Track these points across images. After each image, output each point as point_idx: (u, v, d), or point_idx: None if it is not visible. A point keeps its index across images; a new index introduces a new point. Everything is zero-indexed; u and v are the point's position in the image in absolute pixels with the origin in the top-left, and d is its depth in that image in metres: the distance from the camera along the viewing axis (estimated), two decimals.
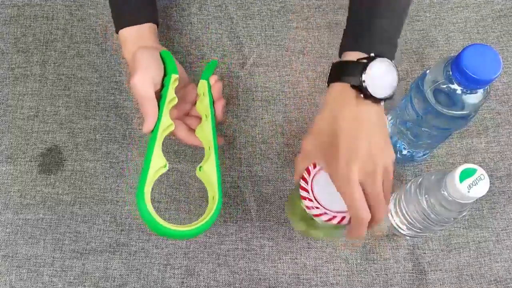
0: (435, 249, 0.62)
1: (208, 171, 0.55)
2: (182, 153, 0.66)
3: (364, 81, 0.48)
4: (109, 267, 0.61)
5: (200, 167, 0.56)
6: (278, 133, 0.68)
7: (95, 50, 0.72)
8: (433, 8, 0.76)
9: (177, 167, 0.65)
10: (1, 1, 0.75)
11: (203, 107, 0.59)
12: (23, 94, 0.69)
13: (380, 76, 0.49)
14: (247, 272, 0.61)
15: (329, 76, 0.52)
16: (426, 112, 0.53)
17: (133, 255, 0.61)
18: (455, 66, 0.48)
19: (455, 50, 0.72)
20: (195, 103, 0.62)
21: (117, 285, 0.60)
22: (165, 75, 0.57)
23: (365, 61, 0.49)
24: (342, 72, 0.50)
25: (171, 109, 0.57)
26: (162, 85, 0.57)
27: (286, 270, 0.61)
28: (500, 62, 0.47)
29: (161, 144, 0.54)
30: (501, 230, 0.63)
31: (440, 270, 0.61)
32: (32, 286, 0.60)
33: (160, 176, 0.65)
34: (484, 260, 0.62)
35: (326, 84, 0.52)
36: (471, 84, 0.47)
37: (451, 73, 0.49)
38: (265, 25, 0.74)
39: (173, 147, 0.66)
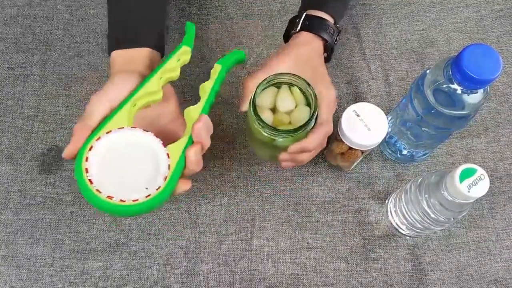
0: (435, 249, 0.62)
1: (173, 156, 0.45)
2: None
3: (335, 43, 0.58)
4: (109, 267, 0.61)
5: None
6: None
7: (95, 50, 0.72)
8: (433, 8, 0.76)
9: None
10: (1, 1, 0.75)
11: (204, 90, 0.50)
12: (23, 94, 0.69)
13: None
14: (247, 272, 0.61)
15: (301, 24, 0.58)
16: (426, 112, 0.53)
17: (133, 255, 0.61)
18: (455, 66, 0.48)
19: (455, 50, 0.72)
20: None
21: (117, 285, 0.60)
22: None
23: (337, 26, 0.59)
24: (319, 27, 0.57)
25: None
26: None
27: (286, 270, 0.61)
28: (500, 62, 0.47)
29: (134, 111, 0.46)
30: (501, 230, 0.63)
31: (440, 270, 0.61)
32: (32, 286, 0.60)
33: None
34: (484, 260, 0.62)
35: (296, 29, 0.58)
36: (471, 84, 0.47)
37: (451, 73, 0.49)
38: (265, 25, 0.74)
39: None
